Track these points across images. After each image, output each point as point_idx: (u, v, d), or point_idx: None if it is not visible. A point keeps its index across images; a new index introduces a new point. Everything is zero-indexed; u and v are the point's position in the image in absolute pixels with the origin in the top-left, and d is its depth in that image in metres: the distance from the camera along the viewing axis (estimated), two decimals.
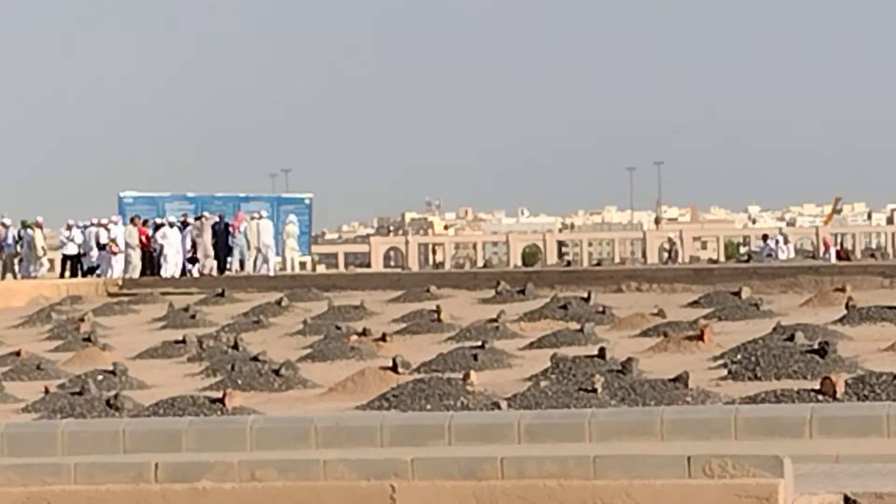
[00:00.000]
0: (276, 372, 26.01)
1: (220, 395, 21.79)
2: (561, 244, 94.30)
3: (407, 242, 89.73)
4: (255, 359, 28.27)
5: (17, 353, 32.50)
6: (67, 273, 57.03)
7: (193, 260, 56.14)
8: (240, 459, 13.63)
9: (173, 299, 45.52)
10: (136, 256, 55.32)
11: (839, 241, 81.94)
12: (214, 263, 55.70)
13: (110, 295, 49.73)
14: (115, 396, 23.19)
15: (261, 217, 58.79)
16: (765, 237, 78.79)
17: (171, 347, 33.29)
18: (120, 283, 52.06)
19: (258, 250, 56.76)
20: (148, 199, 62.98)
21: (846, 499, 11.47)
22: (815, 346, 23.92)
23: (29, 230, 56.11)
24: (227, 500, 13.12)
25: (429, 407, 20.46)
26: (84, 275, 56.17)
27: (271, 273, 55.74)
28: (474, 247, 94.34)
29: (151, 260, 55.90)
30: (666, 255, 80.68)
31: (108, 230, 56.08)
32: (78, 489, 13.34)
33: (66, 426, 18.48)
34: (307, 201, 67.11)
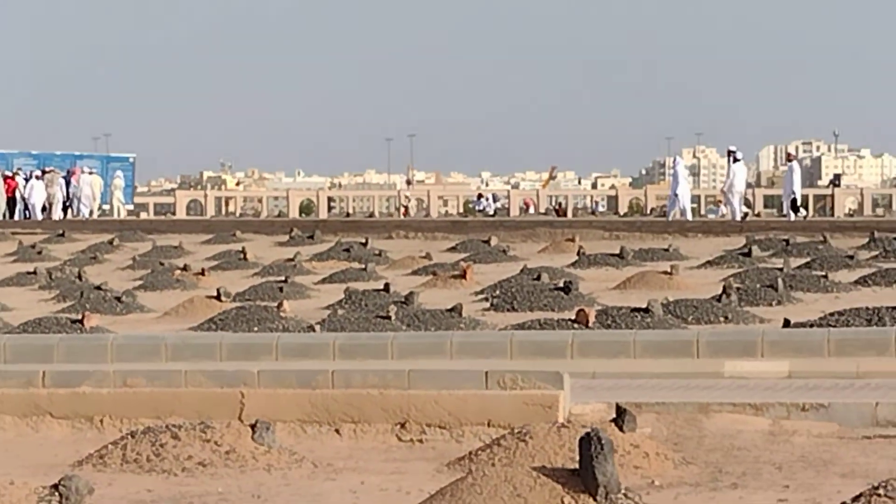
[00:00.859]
0: (118, 299, 25.43)
1: (78, 316, 21.18)
2: (330, 199, 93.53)
3: (206, 196, 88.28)
4: (99, 288, 27.55)
5: None
6: None
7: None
8: (113, 369, 13.22)
9: (22, 238, 44.61)
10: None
11: (555, 201, 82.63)
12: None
13: None
14: None
15: (91, 172, 58.46)
16: (479, 196, 79.76)
17: (24, 277, 32.50)
18: None
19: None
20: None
21: (618, 407, 11.29)
22: (561, 285, 23.93)
23: None
24: (104, 402, 12.72)
25: (256, 329, 20.07)
26: None
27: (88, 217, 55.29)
28: (260, 200, 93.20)
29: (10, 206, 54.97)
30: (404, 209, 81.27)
31: None
32: None
33: None
34: (131, 160, 66.98)
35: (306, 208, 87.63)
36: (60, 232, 46.34)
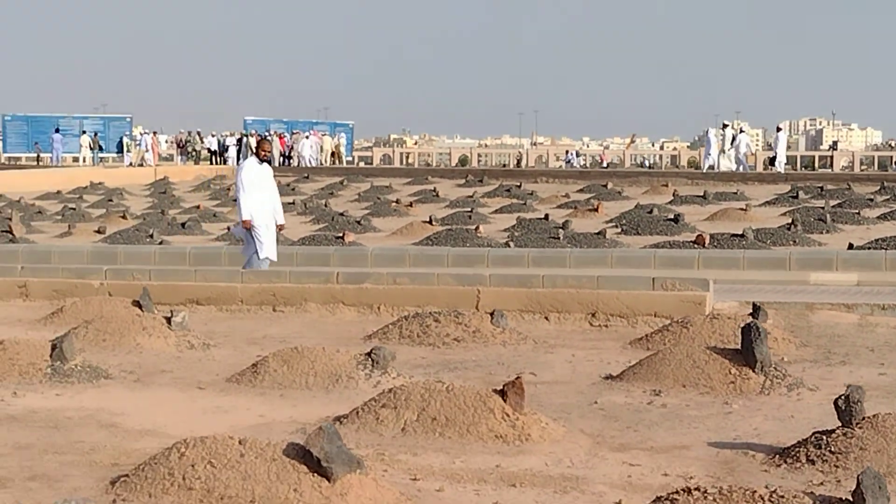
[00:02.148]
0: (358, 222, 25.47)
1: (339, 234, 21.22)
2: (479, 156, 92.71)
3: (393, 151, 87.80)
4: (342, 214, 27.67)
5: (198, 207, 31.85)
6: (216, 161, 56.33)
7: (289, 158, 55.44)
8: (382, 271, 13.20)
9: (280, 178, 45.00)
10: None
11: (637, 159, 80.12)
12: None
13: None
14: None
15: (324, 134, 58.62)
16: (567, 152, 76.19)
17: (286, 206, 32.63)
18: None
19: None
20: (262, 121, 61.87)
21: (753, 304, 11.06)
22: (671, 216, 23.55)
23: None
24: (381, 294, 12.73)
25: (467, 244, 19.93)
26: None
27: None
28: (429, 155, 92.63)
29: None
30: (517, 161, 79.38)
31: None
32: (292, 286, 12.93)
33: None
34: (351, 126, 66.71)
35: (462, 161, 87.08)
36: (306, 175, 46.71)
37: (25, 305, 13.27)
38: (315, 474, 5.96)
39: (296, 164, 53.34)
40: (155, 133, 55.01)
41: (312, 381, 9.07)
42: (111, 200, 35.57)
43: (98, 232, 24.36)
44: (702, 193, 32.13)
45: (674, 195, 32.05)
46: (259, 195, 14.29)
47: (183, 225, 25.34)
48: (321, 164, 55.04)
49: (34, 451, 7.15)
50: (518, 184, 38.35)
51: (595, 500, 6.31)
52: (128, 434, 7.63)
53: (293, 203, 33.05)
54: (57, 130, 53.11)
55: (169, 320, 10.96)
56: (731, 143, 46.14)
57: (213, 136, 57.16)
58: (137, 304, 12.20)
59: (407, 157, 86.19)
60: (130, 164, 53.23)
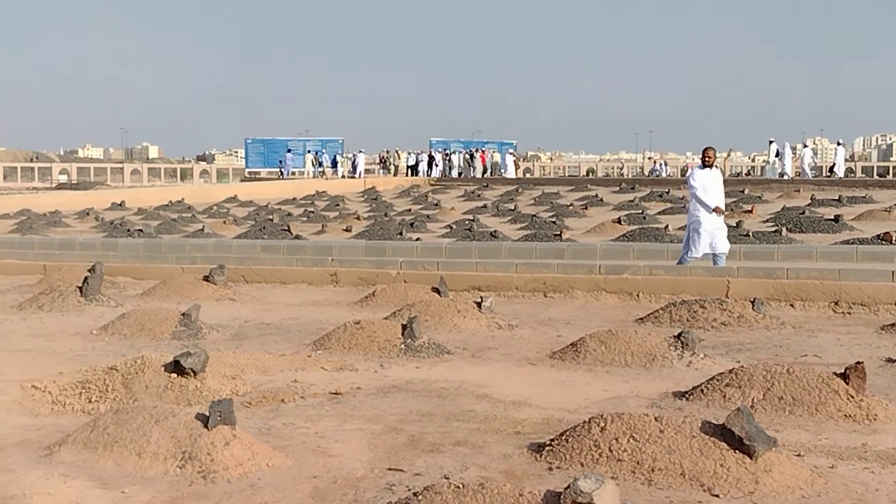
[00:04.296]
0: (553, 222, 24.63)
1: (556, 231, 20.44)
2: (601, 168, 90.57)
3: (533, 165, 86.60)
4: (534, 216, 26.82)
5: (409, 210, 31.53)
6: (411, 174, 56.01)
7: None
8: (643, 264, 12.45)
9: (465, 187, 44.61)
10: (438, 169, 54.42)
11: (732, 170, 76.73)
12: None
13: (431, 184, 48.74)
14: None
15: (495, 152, 57.87)
16: (653, 161, 71.68)
17: (480, 210, 32.05)
18: (434, 180, 51.00)
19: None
20: (443, 141, 60.92)
21: None
22: (831, 217, 22.12)
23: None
24: (639, 284, 11.98)
25: (656, 241, 18.89)
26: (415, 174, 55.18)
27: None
28: (559, 168, 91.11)
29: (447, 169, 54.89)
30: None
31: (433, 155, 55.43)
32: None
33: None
34: (514, 143, 64.58)
35: (589, 172, 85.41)
36: (485, 184, 46.21)
37: (336, 290, 12.93)
38: (736, 451, 5.27)
39: (479, 175, 52.89)
40: (361, 151, 55.17)
41: (630, 359, 8.40)
42: (338, 205, 35.56)
43: (346, 230, 24.14)
44: (836, 197, 30.42)
45: (811, 199, 30.40)
46: (707, 195, 13.19)
47: (411, 224, 24.96)
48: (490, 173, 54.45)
49: (438, 418, 6.63)
50: (666, 190, 37.11)
51: None
52: (505, 405, 7.06)
53: (485, 206, 32.63)
54: (288, 150, 54.04)
55: (479, 304, 10.42)
56: (794, 153, 45.75)
57: (409, 153, 57.20)
58: (436, 290, 11.74)
59: (543, 170, 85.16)
60: (343, 175, 53.55)
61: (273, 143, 56.10)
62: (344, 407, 6.91)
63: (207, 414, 5.48)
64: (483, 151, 55.63)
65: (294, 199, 39.61)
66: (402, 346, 8.73)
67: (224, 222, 26.52)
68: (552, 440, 5.77)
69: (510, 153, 56.15)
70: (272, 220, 26.61)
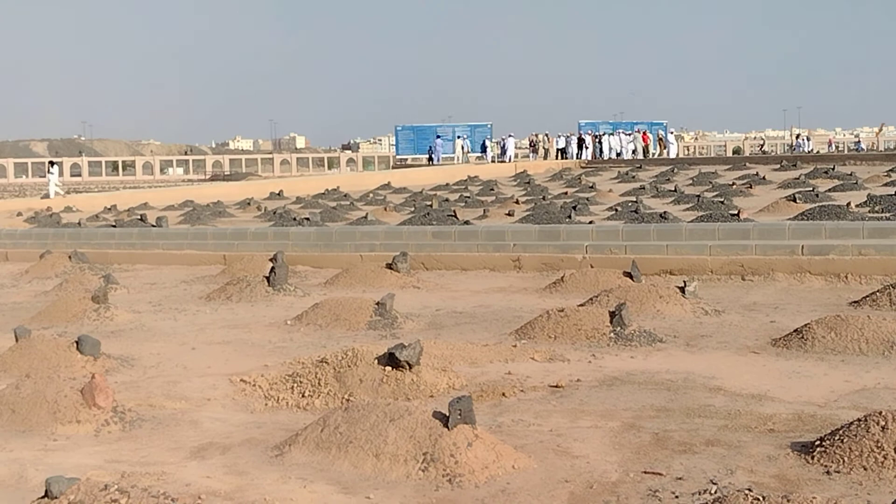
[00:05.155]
0: (721, 202, 23.55)
1: (735, 212, 19.45)
2: (747, 146, 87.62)
3: (677, 146, 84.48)
4: (698, 196, 25.78)
5: (565, 193, 30.75)
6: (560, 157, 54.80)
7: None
8: (850, 243, 11.53)
9: (618, 169, 43.66)
10: (588, 151, 53.02)
11: (885, 144, 72.86)
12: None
13: (582, 167, 47.93)
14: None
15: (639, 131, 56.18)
16: (797, 136, 67.26)
17: (638, 191, 31.06)
18: (585, 163, 50.07)
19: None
20: (592, 123, 59.21)
21: None
22: None
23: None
24: (846, 265, 11.09)
25: (841, 219, 17.71)
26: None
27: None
28: (704, 148, 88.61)
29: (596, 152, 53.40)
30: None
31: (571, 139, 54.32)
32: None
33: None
34: (665, 123, 62.57)
35: (736, 151, 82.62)
36: (638, 165, 45.13)
37: (520, 276, 12.50)
38: None
39: (640, 156, 51.76)
40: (511, 136, 54.60)
41: (865, 347, 7.67)
42: (492, 189, 35.14)
43: (508, 215, 23.69)
44: None
45: None
46: None
47: (574, 207, 24.31)
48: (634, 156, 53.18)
49: (676, 414, 6.10)
50: (832, 166, 35.28)
51: None
52: (744, 398, 6.46)
53: (642, 188, 31.62)
54: (437, 137, 53.93)
55: (682, 289, 9.81)
56: None
57: (559, 136, 56.28)
58: (627, 274, 11.16)
59: (687, 150, 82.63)
60: (492, 160, 53.14)
61: (422, 130, 56.08)
62: (570, 401, 6.45)
63: (445, 412, 5.10)
64: (644, 132, 54.22)
65: (447, 184, 39.42)
66: (612, 334, 8.21)
67: (385, 209, 26.47)
68: (821, 440, 5.17)
69: (672, 133, 54.68)
70: (431, 205, 26.40)
